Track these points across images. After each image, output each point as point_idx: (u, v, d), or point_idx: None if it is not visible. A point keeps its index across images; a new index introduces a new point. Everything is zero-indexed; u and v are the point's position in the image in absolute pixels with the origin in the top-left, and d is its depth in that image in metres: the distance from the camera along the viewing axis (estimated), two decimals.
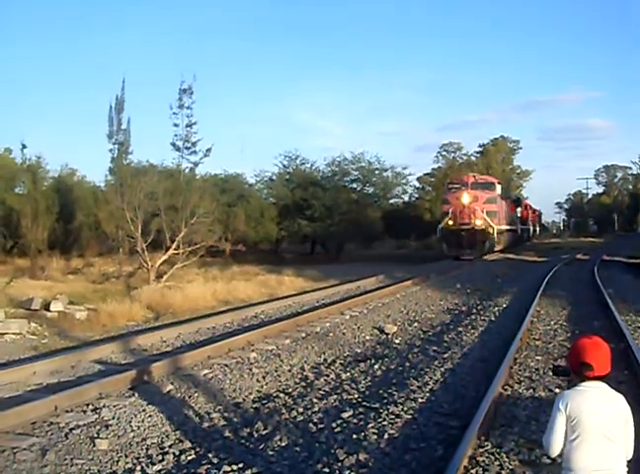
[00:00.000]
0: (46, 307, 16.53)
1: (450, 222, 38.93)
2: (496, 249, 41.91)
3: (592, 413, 3.54)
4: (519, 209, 56.70)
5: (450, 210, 39.16)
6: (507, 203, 46.94)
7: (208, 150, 27.80)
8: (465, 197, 38.39)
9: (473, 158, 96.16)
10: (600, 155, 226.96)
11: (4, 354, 12.14)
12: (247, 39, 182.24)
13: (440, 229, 39.72)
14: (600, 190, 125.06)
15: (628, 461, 3.66)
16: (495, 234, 39.24)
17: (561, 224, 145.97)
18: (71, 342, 13.29)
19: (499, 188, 42.88)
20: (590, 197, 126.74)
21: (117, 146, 26.80)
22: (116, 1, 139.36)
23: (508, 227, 45.62)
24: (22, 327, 14.02)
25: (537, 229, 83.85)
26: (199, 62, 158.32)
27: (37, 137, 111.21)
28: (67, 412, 7.79)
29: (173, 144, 27.59)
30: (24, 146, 31.24)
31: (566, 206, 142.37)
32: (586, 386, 3.62)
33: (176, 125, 26.84)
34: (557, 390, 8.60)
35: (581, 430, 3.55)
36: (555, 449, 3.64)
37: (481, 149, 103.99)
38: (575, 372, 3.68)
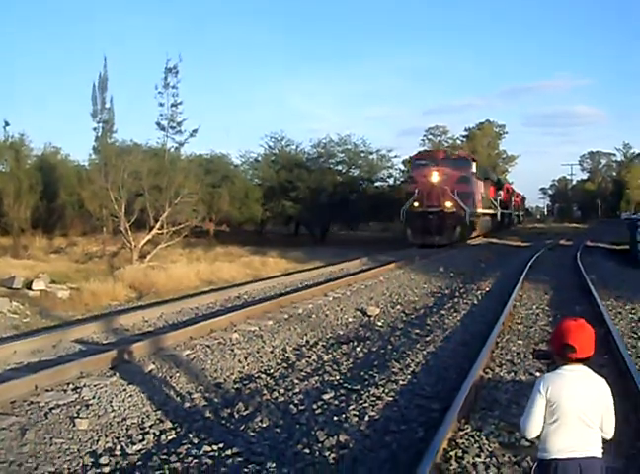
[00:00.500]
0: (28, 286, 16.43)
1: (416, 204, 34.27)
2: (471, 236, 38.55)
3: (571, 397, 3.55)
4: (500, 192, 52.87)
5: (417, 190, 34.50)
6: (485, 185, 43.21)
7: (195, 131, 27.72)
8: (434, 176, 33.99)
9: (459, 142, 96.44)
10: (585, 142, 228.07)
11: None
12: (243, 25, 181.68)
13: (403, 212, 34.86)
14: (585, 176, 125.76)
15: (610, 441, 3.69)
16: (468, 219, 34.85)
17: (545, 210, 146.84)
18: (53, 321, 13.23)
19: (474, 166, 38.37)
20: (574, 183, 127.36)
21: (101, 125, 26.63)
22: None
23: (485, 211, 41.81)
24: (3, 306, 13.92)
25: (520, 214, 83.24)
26: (194, 46, 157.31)
27: (20, 116, 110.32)
28: (47, 391, 7.74)
29: (158, 124, 27.49)
30: (6, 124, 30.96)
31: (550, 192, 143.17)
32: (567, 370, 3.62)
33: (161, 105, 26.71)
34: (538, 374, 8.64)
35: (560, 413, 3.56)
36: (533, 432, 3.65)
37: (467, 133, 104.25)
38: (558, 354, 3.68)
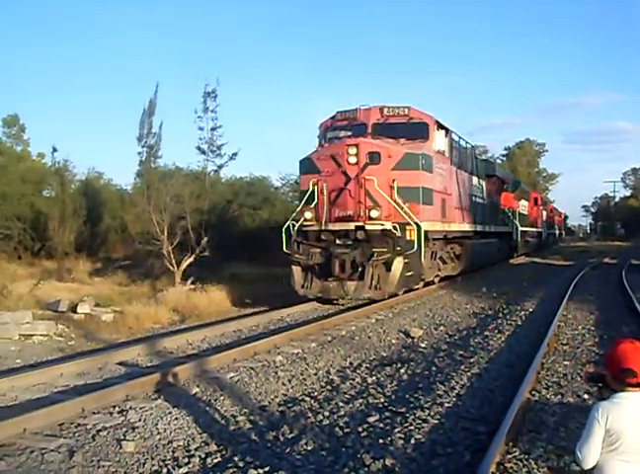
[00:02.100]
0: (73, 309, 16.68)
1: (309, 215, 17.76)
2: (429, 279, 21.08)
3: (632, 426, 3.44)
4: (523, 203, 42.42)
5: (315, 188, 17.91)
6: (493, 186, 30.80)
7: (234, 154, 28.16)
8: (351, 155, 17.54)
9: (499, 161, 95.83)
10: (627, 158, 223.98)
11: (32, 355, 12.27)
12: (269, 42, 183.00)
13: (287, 232, 18.24)
14: (628, 193, 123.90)
15: None
16: (421, 244, 17.47)
17: (588, 228, 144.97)
18: (97, 344, 13.39)
19: (442, 138, 20.69)
20: (617, 200, 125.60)
21: (145, 149, 27.05)
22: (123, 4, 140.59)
23: (479, 228, 26.17)
24: (49, 329, 14.15)
25: (557, 233, 79.00)
26: (222, 65, 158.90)
27: (64, 141, 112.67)
28: (94, 414, 7.83)
29: (198, 148, 27.87)
30: (54, 150, 31.69)
31: (593, 210, 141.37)
32: (625, 397, 3.50)
33: (201, 129, 27.16)
34: (586, 396, 8.52)
35: (620, 443, 3.44)
36: (591, 462, 3.53)
37: (506, 152, 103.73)
38: (616, 379, 3.56)
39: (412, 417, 7.78)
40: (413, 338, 13.38)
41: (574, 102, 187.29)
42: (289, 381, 9.66)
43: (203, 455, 6.65)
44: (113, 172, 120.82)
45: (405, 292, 19.11)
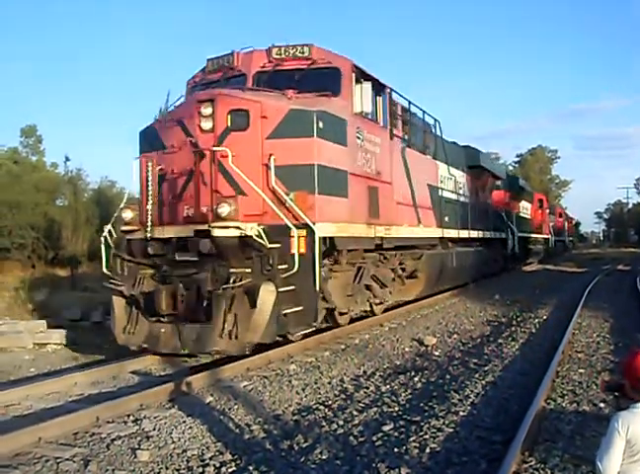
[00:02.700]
0: (86, 318, 16.70)
1: (129, 215, 11.98)
2: (353, 313, 15.34)
3: None
4: (524, 205, 38.81)
5: (149, 172, 11.60)
6: (462, 175, 23.42)
7: None
8: (204, 117, 11.65)
9: (510, 167, 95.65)
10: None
11: (46, 364, 12.32)
12: None
13: (106, 243, 12.45)
14: None
15: None
16: (315, 259, 11.15)
17: (601, 234, 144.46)
18: (109, 353, 13.39)
19: (370, 95, 13.74)
20: (630, 206, 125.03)
21: None
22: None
23: (450, 233, 20.64)
24: (63, 337, 14.17)
25: (568, 239, 75.28)
26: None
27: (77, 150, 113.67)
28: (109, 423, 7.85)
29: None
30: (67, 159, 31.89)
31: (606, 216, 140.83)
32: None
33: None
34: (602, 405, 8.46)
35: None
36: (611, 473, 3.52)
37: (518, 159, 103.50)
38: (634, 388, 3.52)
39: (427, 426, 7.75)
40: (427, 346, 13.34)
41: (585, 107, 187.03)
42: (303, 390, 9.64)
43: (218, 464, 6.64)
44: (125, 180, 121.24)
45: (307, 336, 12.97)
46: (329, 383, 10.14)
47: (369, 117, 14.03)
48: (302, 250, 11.04)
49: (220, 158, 11.28)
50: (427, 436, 7.34)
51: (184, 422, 7.95)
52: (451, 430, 7.63)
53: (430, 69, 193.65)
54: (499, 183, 31.49)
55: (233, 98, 11.77)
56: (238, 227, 10.70)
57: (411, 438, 7.28)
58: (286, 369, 10.79)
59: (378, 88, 14.72)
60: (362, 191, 13.57)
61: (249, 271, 10.62)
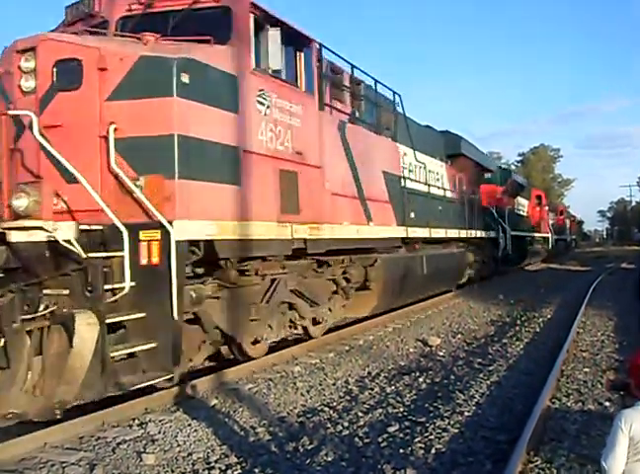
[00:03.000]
0: None
1: None
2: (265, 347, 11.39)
3: None
4: (520, 201, 35.92)
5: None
6: (436, 163, 19.90)
7: None
8: (25, 71, 8.37)
9: (513, 167, 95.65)
10: None
11: None
12: None
13: None
14: None
15: None
16: (172, 273, 7.86)
17: (604, 233, 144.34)
18: None
19: (281, 47, 9.91)
20: (633, 204, 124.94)
21: None
22: None
23: (418, 233, 17.08)
24: None
25: (571, 238, 72.84)
26: None
27: None
28: (114, 427, 7.84)
29: None
30: None
31: (609, 215, 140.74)
32: None
33: None
34: (607, 403, 8.45)
35: None
36: (616, 472, 3.50)
37: (521, 158, 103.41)
38: (639, 387, 3.55)
39: (432, 426, 7.75)
40: (431, 346, 13.33)
41: (585, 107, 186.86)
42: (308, 392, 9.63)
43: (224, 467, 6.64)
44: None
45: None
46: (334, 385, 10.14)
47: (282, 77, 10.53)
48: (155, 260, 7.98)
49: (44, 130, 8.07)
50: (432, 437, 7.34)
51: (189, 425, 7.94)
52: (456, 430, 7.62)
53: (430, 70, 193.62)
54: (489, 175, 28.68)
55: (60, 43, 8.51)
56: (42, 228, 7.65)
57: (416, 439, 7.28)
58: (291, 371, 10.78)
59: (299, 41, 11.19)
60: (269, 175, 10.01)
61: (66, 292, 7.65)
